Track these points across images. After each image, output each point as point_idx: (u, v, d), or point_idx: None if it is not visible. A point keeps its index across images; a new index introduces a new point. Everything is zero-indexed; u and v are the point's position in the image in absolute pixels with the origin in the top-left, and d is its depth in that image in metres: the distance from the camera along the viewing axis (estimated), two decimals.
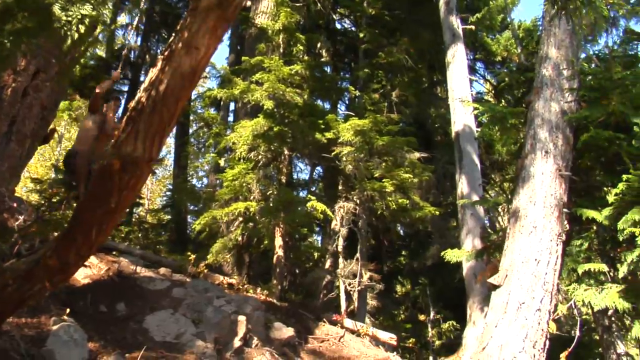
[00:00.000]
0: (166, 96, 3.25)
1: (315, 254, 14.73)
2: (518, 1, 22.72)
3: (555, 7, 6.72)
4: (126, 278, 8.58)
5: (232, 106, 19.55)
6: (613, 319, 9.46)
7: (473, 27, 16.34)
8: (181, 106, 3.36)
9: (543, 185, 7.24)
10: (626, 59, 8.87)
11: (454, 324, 16.55)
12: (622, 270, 6.60)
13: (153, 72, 3.37)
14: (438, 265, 15.70)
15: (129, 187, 3.43)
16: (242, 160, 11.81)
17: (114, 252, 10.64)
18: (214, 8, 3.17)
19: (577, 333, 8.10)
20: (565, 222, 7.30)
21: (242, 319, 7.73)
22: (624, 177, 6.47)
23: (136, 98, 3.38)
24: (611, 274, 7.35)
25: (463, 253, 9.50)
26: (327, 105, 16.10)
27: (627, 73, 7.48)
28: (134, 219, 19.94)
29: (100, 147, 9.17)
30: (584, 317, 10.93)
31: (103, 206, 3.50)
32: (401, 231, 19.15)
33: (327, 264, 14.01)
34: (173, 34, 3.35)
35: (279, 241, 11.85)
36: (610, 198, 6.77)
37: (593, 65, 9.00)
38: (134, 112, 3.32)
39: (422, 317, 18.51)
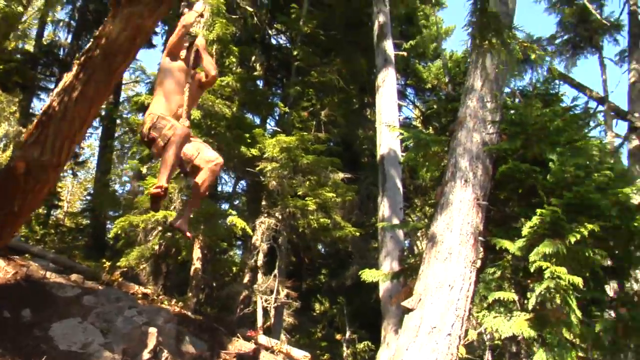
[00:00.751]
0: (79, 103, 3.16)
1: (234, 268, 14.63)
2: (451, 32, 23.37)
3: (474, 45, 6.91)
4: (34, 283, 8.29)
5: None
6: (522, 345, 9.71)
7: (405, 53, 16.65)
8: (95, 113, 3.28)
9: (460, 213, 7.39)
10: (547, 97, 9.18)
11: (369, 344, 16.67)
12: (532, 300, 6.76)
13: (67, 77, 3.27)
14: (356, 286, 15.81)
15: (34, 191, 3.30)
16: None
17: (26, 255, 10.30)
18: (134, 17, 3.11)
19: (489, 358, 8.27)
20: (481, 250, 7.46)
21: (153, 330, 7.57)
22: (538, 211, 6.66)
23: (48, 102, 3.27)
24: (522, 302, 7.53)
25: (380, 274, 9.58)
26: (256, 120, 16.08)
27: (547, 110, 7.72)
28: (50, 221, 19.38)
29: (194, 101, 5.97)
30: (496, 342, 11.19)
31: (5, 208, 3.36)
32: (322, 250, 19.20)
33: (246, 279, 13.94)
34: (91, 40, 3.27)
35: (197, 253, 11.71)
36: (525, 230, 6.95)
37: (516, 100, 9.28)
38: (44, 117, 3.22)
39: (338, 336, 18.58)
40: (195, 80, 5.58)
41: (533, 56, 8.72)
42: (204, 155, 5.22)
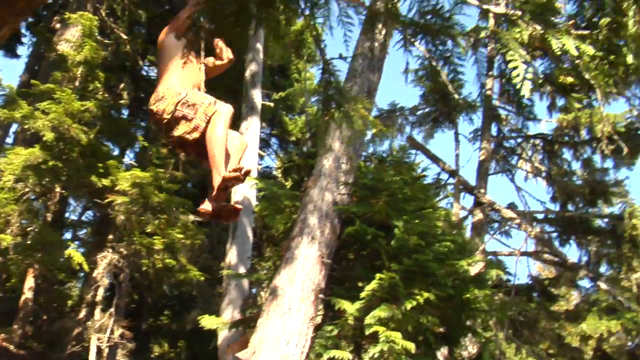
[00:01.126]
0: None
1: (70, 302, 13.95)
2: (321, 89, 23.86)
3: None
4: None
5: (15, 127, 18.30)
6: None
7: (272, 104, 16.83)
8: None
9: (304, 269, 7.43)
10: (401, 165, 9.54)
11: None
12: None
13: None
14: (197, 331, 15.44)
15: None
16: (6, 189, 10.96)
17: None
18: None
19: None
20: (321, 307, 7.53)
21: None
22: (377, 275, 6.83)
23: None
24: None
25: (219, 322, 9.46)
26: (116, 150, 15.55)
27: (397, 178, 8.00)
28: None
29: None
30: None
31: None
32: (167, 290, 18.73)
33: (82, 314, 13.28)
34: None
35: (30, 282, 11.06)
36: (364, 292, 7.09)
37: (371, 165, 9.59)
38: None
39: None
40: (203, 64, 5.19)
41: (374, 130, 9.07)
42: (229, 135, 4.79)
